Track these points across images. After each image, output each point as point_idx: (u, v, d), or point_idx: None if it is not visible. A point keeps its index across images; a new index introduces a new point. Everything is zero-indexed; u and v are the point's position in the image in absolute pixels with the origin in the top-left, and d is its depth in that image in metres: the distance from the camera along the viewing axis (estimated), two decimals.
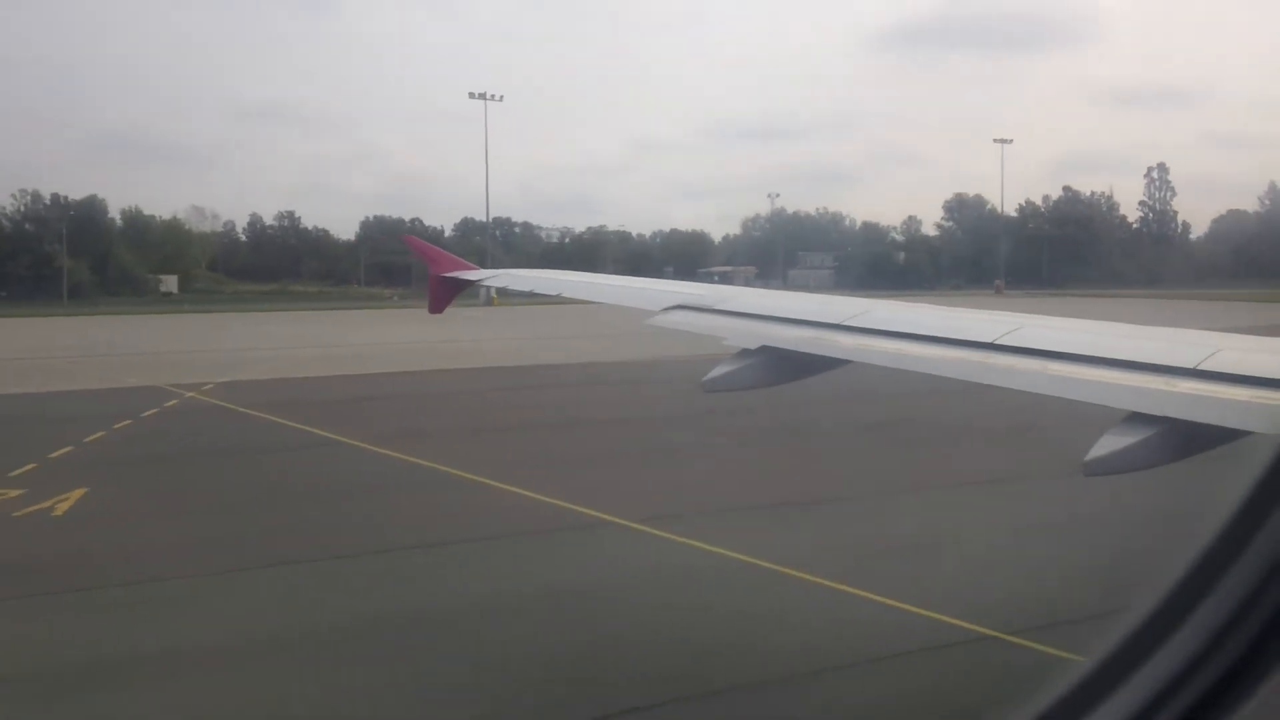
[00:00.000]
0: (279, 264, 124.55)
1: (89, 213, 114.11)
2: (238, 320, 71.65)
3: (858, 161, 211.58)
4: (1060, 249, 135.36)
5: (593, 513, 13.77)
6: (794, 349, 7.12)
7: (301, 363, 37.53)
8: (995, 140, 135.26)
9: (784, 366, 7.26)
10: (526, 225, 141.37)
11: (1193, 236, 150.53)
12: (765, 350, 7.22)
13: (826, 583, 10.76)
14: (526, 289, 11.17)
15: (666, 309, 8.24)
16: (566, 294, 10.17)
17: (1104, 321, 6.55)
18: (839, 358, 6.87)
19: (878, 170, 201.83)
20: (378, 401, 27.52)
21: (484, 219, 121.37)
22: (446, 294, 11.73)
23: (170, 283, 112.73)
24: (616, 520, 13.43)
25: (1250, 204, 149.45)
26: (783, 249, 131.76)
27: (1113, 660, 1.55)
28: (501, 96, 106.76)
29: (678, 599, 10.56)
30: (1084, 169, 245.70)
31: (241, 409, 25.06)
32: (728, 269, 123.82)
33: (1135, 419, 5.02)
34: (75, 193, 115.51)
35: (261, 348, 45.37)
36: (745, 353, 7.33)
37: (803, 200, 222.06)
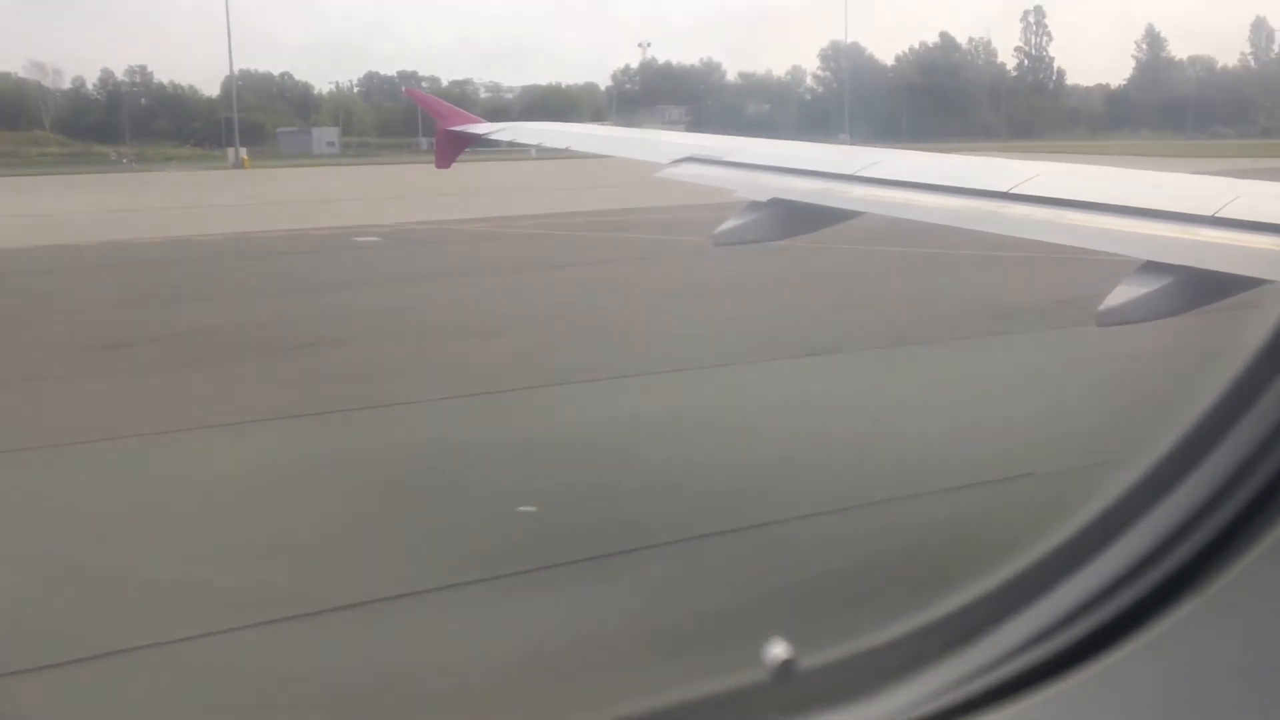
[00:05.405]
0: (135, 124, 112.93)
1: None
2: None
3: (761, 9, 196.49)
4: (927, 99, 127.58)
5: None
6: (805, 201, 7.03)
7: None
8: None
9: (795, 219, 7.18)
10: (433, 79, 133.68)
11: (1115, 85, 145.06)
12: (776, 203, 7.13)
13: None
14: (535, 142, 10.95)
15: (676, 161, 8.11)
16: (575, 147, 9.97)
17: (1121, 169, 6.43)
18: (851, 209, 6.78)
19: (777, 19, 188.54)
20: None
21: (391, 74, 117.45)
22: (454, 148, 11.54)
23: None
24: None
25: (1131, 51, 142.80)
26: (613, 104, 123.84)
27: (1121, 503, 1.56)
28: None
29: None
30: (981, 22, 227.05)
31: None
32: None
33: (1150, 267, 4.97)
34: None
35: None
36: (755, 205, 7.24)
37: (691, 53, 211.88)
